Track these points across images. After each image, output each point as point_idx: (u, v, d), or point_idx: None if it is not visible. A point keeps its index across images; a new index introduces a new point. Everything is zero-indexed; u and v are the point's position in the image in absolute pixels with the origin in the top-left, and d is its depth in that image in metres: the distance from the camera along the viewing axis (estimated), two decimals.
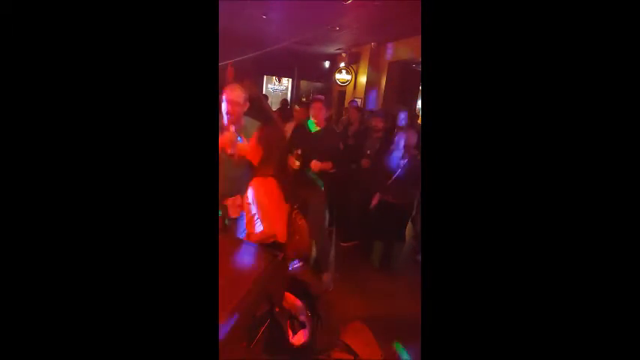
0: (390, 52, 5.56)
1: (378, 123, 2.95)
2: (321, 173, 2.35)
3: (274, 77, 8.75)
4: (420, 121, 4.96)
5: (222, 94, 1.63)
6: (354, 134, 3.26)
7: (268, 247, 1.23)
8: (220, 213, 1.68)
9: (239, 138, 1.62)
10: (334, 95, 7.78)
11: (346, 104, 6.68)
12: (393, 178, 2.50)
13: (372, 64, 6.11)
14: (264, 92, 7.75)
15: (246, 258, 1.07)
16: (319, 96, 2.59)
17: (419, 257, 3.06)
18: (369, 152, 2.91)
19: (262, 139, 1.42)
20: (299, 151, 2.08)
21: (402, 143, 2.52)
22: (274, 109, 6.09)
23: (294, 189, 1.57)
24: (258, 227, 1.30)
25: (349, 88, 6.94)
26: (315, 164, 2.31)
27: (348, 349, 1.64)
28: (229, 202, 1.68)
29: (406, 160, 2.51)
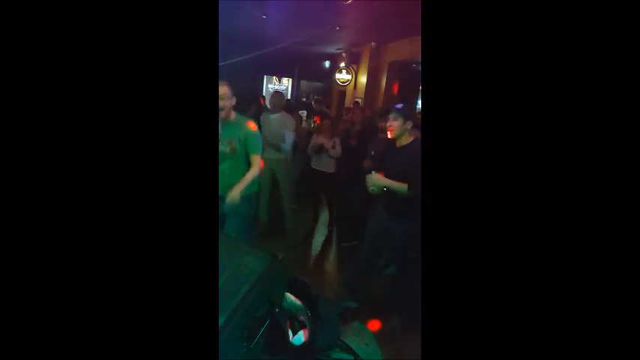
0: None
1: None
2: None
3: (274, 77, 8.75)
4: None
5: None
6: (358, 135, 3.26)
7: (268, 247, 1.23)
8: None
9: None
10: (334, 95, 7.78)
11: (347, 104, 6.70)
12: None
13: (371, 64, 6.11)
14: (264, 92, 7.75)
15: (246, 257, 1.07)
16: (399, 105, 2.01)
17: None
18: (373, 153, 2.90)
19: None
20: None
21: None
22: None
23: None
24: None
25: (349, 88, 6.94)
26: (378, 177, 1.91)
27: (348, 349, 1.64)
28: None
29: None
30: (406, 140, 1.91)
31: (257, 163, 1.94)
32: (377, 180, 1.87)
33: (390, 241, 2.02)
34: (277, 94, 3.11)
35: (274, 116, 2.97)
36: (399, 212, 1.92)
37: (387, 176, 1.87)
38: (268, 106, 3.37)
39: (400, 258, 2.07)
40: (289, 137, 2.93)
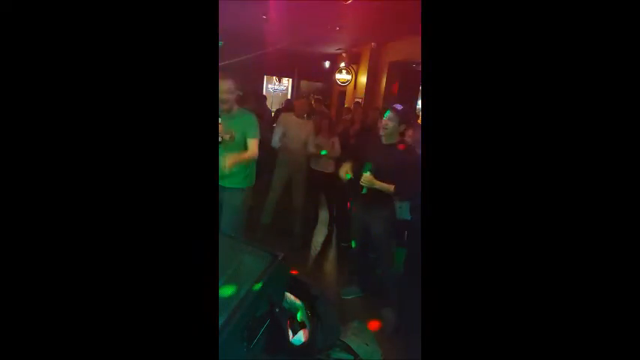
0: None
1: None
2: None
3: (274, 77, 8.75)
4: (420, 120, 4.96)
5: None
6: (356, 134, 3.25)
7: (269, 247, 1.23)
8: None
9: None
10: (334, 95, 7.78)
11: (347, 104, 6.70)
12: None
13: (371, 64, 6.11)
14: (264, 92, 7.74)
15: (246, 257, 1.08)
16: (398, 106, 1.98)
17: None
18: None
19: None
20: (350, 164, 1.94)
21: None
22: (274, 108, 6.07)
23: None
24: None
25: (349, 88, 6.94)
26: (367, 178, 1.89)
27: (348, 349, 1.64)
28: None
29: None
30: (392, 139, 1.94)
31: (254, 147, 2.00)
32: (369, 180, 1.89)
33: (371, 232, 2.07)
34: (305, 100, 3.22)
35: (301, 120, 2.95)
36: (373, 202, 1.97)
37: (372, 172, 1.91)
38: (269, 107, 3.38)
39: (382, 245, 2.11)
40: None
